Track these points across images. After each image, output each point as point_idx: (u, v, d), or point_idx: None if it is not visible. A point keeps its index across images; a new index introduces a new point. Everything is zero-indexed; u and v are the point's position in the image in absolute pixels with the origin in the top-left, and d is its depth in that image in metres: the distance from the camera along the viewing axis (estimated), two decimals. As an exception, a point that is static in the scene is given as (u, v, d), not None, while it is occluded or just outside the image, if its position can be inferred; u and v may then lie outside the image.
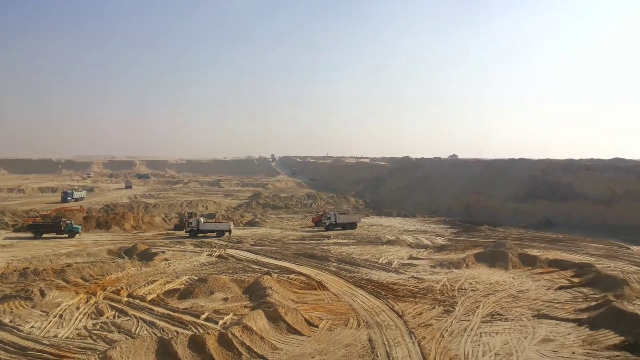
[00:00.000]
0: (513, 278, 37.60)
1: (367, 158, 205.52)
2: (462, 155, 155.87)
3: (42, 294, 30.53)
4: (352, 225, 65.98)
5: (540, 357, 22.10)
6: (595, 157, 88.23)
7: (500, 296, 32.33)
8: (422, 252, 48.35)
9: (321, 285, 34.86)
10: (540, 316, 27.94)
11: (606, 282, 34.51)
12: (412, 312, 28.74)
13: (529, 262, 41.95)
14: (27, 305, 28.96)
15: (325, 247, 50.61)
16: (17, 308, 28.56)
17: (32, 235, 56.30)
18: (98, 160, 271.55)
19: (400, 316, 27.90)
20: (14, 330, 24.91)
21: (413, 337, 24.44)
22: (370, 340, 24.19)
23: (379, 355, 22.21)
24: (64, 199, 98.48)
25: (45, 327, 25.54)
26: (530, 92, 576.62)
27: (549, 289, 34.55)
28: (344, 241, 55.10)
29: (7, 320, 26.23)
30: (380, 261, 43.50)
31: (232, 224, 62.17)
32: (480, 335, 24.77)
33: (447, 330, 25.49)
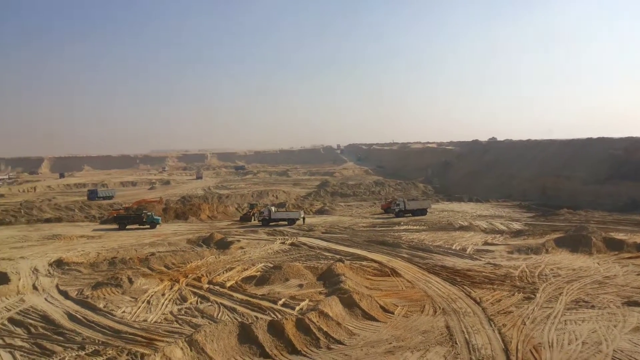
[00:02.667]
0: (598, 263, 35.74)
1: (433, 143, 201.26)
2: (534, 136, 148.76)
3: (130, 281, 32.54)
4: (422, 212, 65.09)
5: (633, 346, 20.95)
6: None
7: (584, 282, 30.86)
8: (497, 238, 46.96)
9: (394, 272, 34.76)
10: (631, 303, 26.43)
11: None
12: (490, 299, 28.07)
13: (615, 246, 39.69)
14: (117, 292, 31.00)
15: (396, 234, 50.30)
16: (109, 294, 30.65)
17: (117, 226, 59.97)
18: (172, 155, 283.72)
19: (478, 303, 27.33)
20: (108, 315, 26.76)
21: (493, 325, 23.88)
22: (447, 327, 23.90)
23: (457, 342, 21.91)
24: (91, 197, 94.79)
25: (135, 312, 27.23)
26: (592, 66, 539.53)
27: (639, 274, 32.55)
28: (415, 227, 54.51)
29: (101, 306, 28.23)
30: (453, 247, 42.72)
31: (302, 212, 63.14)
32: (565, 323, 23.81)
33: (528, 318, 24.70)
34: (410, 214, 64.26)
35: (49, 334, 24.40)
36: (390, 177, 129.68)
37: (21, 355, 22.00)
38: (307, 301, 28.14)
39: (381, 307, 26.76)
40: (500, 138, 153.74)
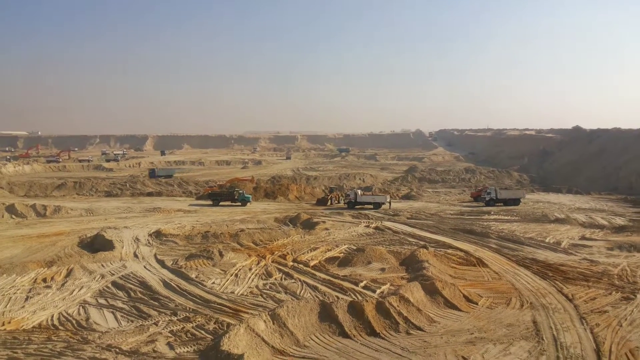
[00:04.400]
0: None
1: (532, 130, 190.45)
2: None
3: (221, 254, 34.25)
4: (515, 202, 62.12)
5: None
6: None
7: (695, 286, 28.04)
8: (597, 233, 43.80)
9: (481, 262, 33.66)
10: None
11: None
12: (583, 296, 26.37)
13: None
14: (208, 264, 32.77)
15: (485, 223, 48.52)
16: (201, 266, 32.49)
17: (211, 202, 63.18)
18: (264, 136, 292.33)
19: (569, 300, 25.79)
20: (199, 285, 28.42)
21: (585, 323, 22.47)
22: (534, 322, 22.83)
23: (544, 338, 20.87)
24: (151, 176, 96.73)
25: (224, 284, 28.68)
26: None
27: None
28: (506, 218, 52.22)
29: (193, 276, 30.03)
30: (547, 240, 40.45)
31: (388, 196, 62.71)
32: (669, 328, 21.84)
33: (625, 319, 22.94)
34: (501, 204, 61.61)
35: (146, 298, 26.42)
36: (483, 164, 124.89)
37: (121, 315, 24.06)
38: (388, 285, 28.09)
39: (464, 296, 26.07)
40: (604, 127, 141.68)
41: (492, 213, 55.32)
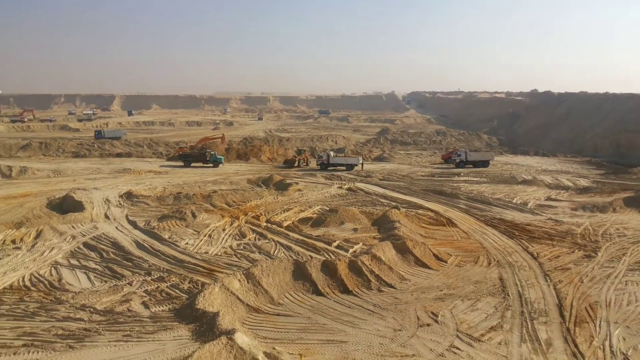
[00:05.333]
0: (669, 226, 33.87)
1: (502, 93, 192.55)
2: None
3: (194, 215, 34.16)
4: (484, 164, 63.38)
5: (698, 311, 20.06)
6: None
7: (652, 244, 29.46)
8: (562, 194, 45.24)
9: (450, 222, 34.53)
10: (700, 268, 25.09)
11: None
12: (548, 254, 27.46)
13: (690, 209, 37.34)
14: (182, 225, 32.70)
15: (455, 185, 49.49)
16: (173, 226, 32.40)
17: (182, 164, 62.46)
18: (236, 97, 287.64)
19: (534, 258, 26.84)
20: (173, 245, 28.43)
21: (548, 280, 23.49)
22: (501, 279, 23.75)
23: (510, 295, 21.78)
24: (97, 137, 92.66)
25: (198, 244, 28.75)
26: None
27: None
28: (475, 179, 53.34)
29: (166, 236, 29.97)
30: (514, 201, 41.62)
31: (361, 158, 63.09)
32: (626, 284, 23.03)
33: (587, 276, 24.05)
34: (471, 165, 62.78)
35: (118, 259, 26.32)
36: (454, 127, 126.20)
37: (94, 276, 23.96)
38: (360, 245, 28.63)
39: (434, 255, 26.84)
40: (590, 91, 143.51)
41: (462, 175, 56.39)
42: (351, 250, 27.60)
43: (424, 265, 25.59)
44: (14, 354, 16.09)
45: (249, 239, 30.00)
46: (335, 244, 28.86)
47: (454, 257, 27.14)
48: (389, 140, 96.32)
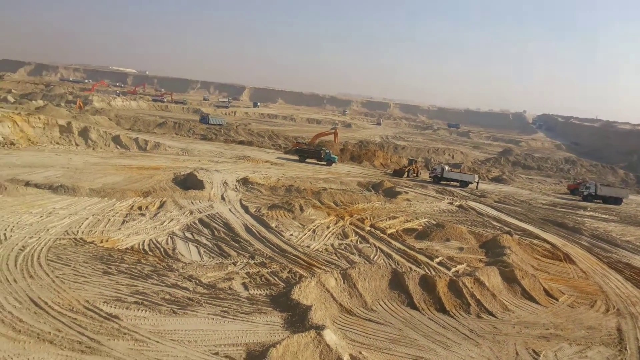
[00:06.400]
0: None
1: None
2: None
3: (302, 209, 35.01)
4: (617, 201, 57.66)
5: None
6: None
7: None
8: None
9: (568, 258, 31.85)
10: None
11: None
12: (680, 312, 24.24)
13: None
14: (289, 216, 33.67)
15: (579, 219, 45.60)
16: (281, 217, 33.46)
17: (297, 158, 64.44)
18: (357, 100, 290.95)
19: (663, 313, 23.85)
20: (278, 234, 29.35)
21: (677, 340, 20.73)
22: (619, 330, 21.37)
23: (628, 349, 19.52)
24: (202, 121, 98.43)
25: (301, 237, 29.40)
26: None
27: None
28: (603, 216, 48.73)
29: (273, 225, 31.04)
30: (646, 246, 37.35)
31: (477, 176, 60.59)
32: None
33: None
34: (600, 201, 57.46)
35: (227, 239, 27.75)
36: (585, 156, 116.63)
37: (204, 251, 25.50)
38: (464, 265, 27.46)
39: (545, 290, 24.86)
40: None
41: (588, 209, 51.86)
42: (453, 270, 26.56)
43: (532, 298, 23.84)
44: (126, 308, 17.61)
45: (351, 240, 30.08)
46: (437, 259, 27.95)
47: (567, 296, 24.96)
48: (510, 161, 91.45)
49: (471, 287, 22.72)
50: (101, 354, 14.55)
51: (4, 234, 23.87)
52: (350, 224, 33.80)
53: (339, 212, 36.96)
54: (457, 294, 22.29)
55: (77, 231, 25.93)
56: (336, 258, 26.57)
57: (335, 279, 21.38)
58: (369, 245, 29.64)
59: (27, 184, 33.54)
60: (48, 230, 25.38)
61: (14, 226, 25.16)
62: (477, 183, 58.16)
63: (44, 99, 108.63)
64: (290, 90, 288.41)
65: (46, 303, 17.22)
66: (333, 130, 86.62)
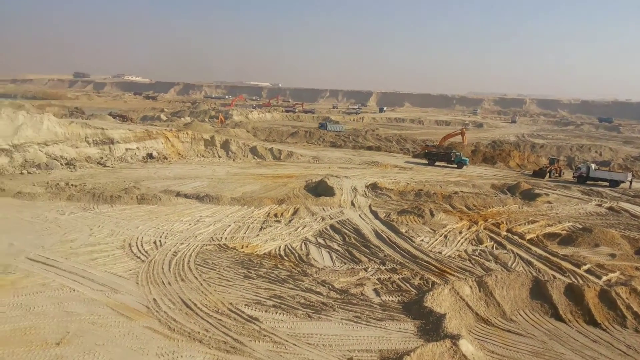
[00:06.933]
0: None
1: None
2: None
3: (432, 214, 34.33)
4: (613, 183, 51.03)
5: None
6: None
7: None
8: None
9: None
10: None
11: None
12: None
13: None
14: (419, 221, 33.21)
15: None
16: (411, 222, 33.12)
17: (426, 162, 63.29)
18: (489, 98, 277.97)
19: None
20: (408, 240, 29.11)
21: None
22: None
23: None
24: (321, 127, 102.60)
25: (432, 243, 28.84)
26: None
27: None
28: None
29: (403, 230, 30.84)
30: None
31: (630, 175, 54.41)
32: None
33: None
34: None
35: (358, 244, 28.17)
36: None
37: (336, 256, 26.17)
38: (617, 273, 24.83)
39: None
40: None
41: None
42: (604, 278, 24.15)
43: None
44: (265, 311, 18.73)
45: (486, 246, 28.79)
46: (585, 267, 25.62)
47: None
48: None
49: (626, 298, 20.52)
50: (244, 354, 15.64)
51: (160, 240, 26.76)
52: (485, 228, 32.36)
53: (472, 216, 35.58)
54: (610, 305, 20.28)
55: (221, 237, 28.17)
56: (470, 265, 25.62)
57: (470, 287, 20.66)
58: (505, 251, 28.13)
59: (177, 194, 37.27)
60: (196, 236, 27.92)
61: (167, 233, 28.11)
62: (631, 182, 52.18)
63: (190, 115, 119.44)
64: (418, 93, 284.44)
65: (195, 304, 18.96)
66: (460, 131, 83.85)
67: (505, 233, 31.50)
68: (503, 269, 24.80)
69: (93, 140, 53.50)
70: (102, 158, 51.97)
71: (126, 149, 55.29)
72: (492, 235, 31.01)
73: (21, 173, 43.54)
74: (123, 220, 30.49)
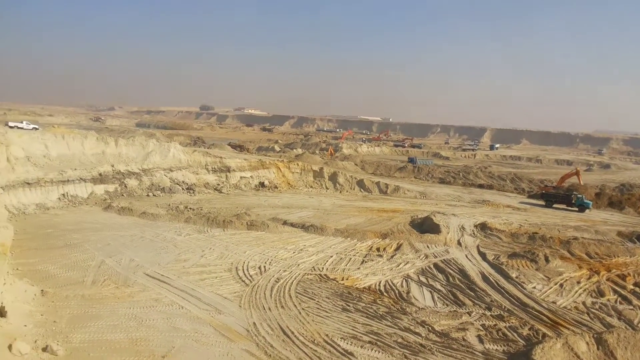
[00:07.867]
0: None
1: None
2: None
3: (547, 259, 31.92)
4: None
5: None
6: None
7: None
8: None
9: None
10: None
11: None
12: None
13: None
14: (531, 267, 31.02)
15: None
16: (523, 267, 31.03)
17: (543, 203, 59.31)
18: (617, 137, 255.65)
19: None
20: (518, 286, 27.28)
21: None
22: None
23: None
24: (410, 161, 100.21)
25: (546, 292, 26.72)
26: None
27: None
28: None
29: (513, 275, 28.98)
30: None
31: None
32: None
33: None
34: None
35: (462, 286, 26.93)
36: None
37: (438, 297, 25.20)
38: None
39: None
40: None
41: None
42: None
43: None
44: (361, 346, 18.47)
45: (608, 300, 26.07)
46: None
47: None
48: None
49: None
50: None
51: (265, 266, 27.70)
52: (607, 279, 29.37)
53: (593, 265, 32.52)
54: None
55: (322, 268, 28.48)
56: (588, 319, 23.32)
57: (587, 343, 18.76)
58: (632, 307, 25.24)
59: (284, 222, 38.50)
60: (298, 265, 28.51)
61: (272, 259, 29.04)
62: None
63: (302, 147, 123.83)
64: (537, 130, 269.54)
65: (292, 332, 19.24)
66: (575, 171, 77.97)
67: (632, 287, 28.33)
68: (627, 326, 22.26)
69: (212, 168, 57.48)
70: (218, 184, 55.52)
71: (241, 177, 58.58)
72: (616, 287, 28.03)
73: (147, 195, 47.85)
74: (232, 244, 32.10)
